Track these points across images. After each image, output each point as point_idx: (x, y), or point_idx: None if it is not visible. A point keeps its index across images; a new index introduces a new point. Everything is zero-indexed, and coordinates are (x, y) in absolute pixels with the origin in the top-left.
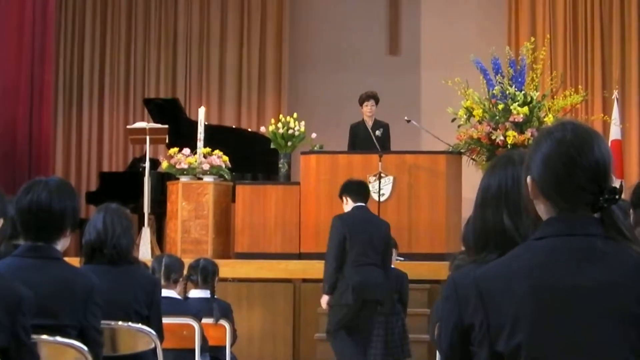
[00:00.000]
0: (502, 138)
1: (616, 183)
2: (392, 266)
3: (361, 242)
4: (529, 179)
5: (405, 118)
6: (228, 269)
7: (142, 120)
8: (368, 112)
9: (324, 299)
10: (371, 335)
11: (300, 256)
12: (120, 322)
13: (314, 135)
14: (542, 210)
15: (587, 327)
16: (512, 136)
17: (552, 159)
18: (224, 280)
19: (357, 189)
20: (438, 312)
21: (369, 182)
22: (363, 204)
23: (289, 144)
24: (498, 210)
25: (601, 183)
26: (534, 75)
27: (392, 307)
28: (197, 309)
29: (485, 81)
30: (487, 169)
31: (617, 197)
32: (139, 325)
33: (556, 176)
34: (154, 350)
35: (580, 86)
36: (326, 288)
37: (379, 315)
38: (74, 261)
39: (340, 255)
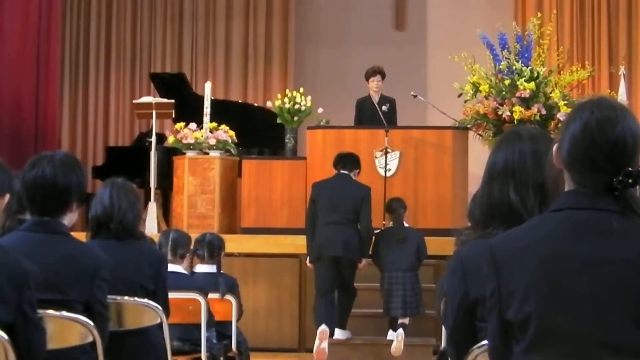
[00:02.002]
0: (508, 113)
1: None
2: (407, 225)
3: (326, 204)
4: (555, 146)
5: (412, 93)
6: (234, 243)
7: (149, 94)
8: (374, 87)
9: (307, 260)
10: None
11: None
12: (126, 297)
13: (320, 110)
14: (566, 181)
15: (598, 301)
16: (518, 112)
17: (576, 137)
18: (230, 255)
19: (340, 160)
20: (444, 287)
21: (375, 157)
22: (345, 172)
23: (295, 118)
24: (504, 185)
25: (618, 163)
26: (541, 51)
27: (411, 264)
28: (203, 284)
29: (491, 56)
30: (495, 144)
31: (630, 181)
32: (145, 300)
33: (577, 151)
34: (160, 325)
35: (586, 62)
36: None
37: (397, 271)
38: (81, 236)
39: (311, 218)
